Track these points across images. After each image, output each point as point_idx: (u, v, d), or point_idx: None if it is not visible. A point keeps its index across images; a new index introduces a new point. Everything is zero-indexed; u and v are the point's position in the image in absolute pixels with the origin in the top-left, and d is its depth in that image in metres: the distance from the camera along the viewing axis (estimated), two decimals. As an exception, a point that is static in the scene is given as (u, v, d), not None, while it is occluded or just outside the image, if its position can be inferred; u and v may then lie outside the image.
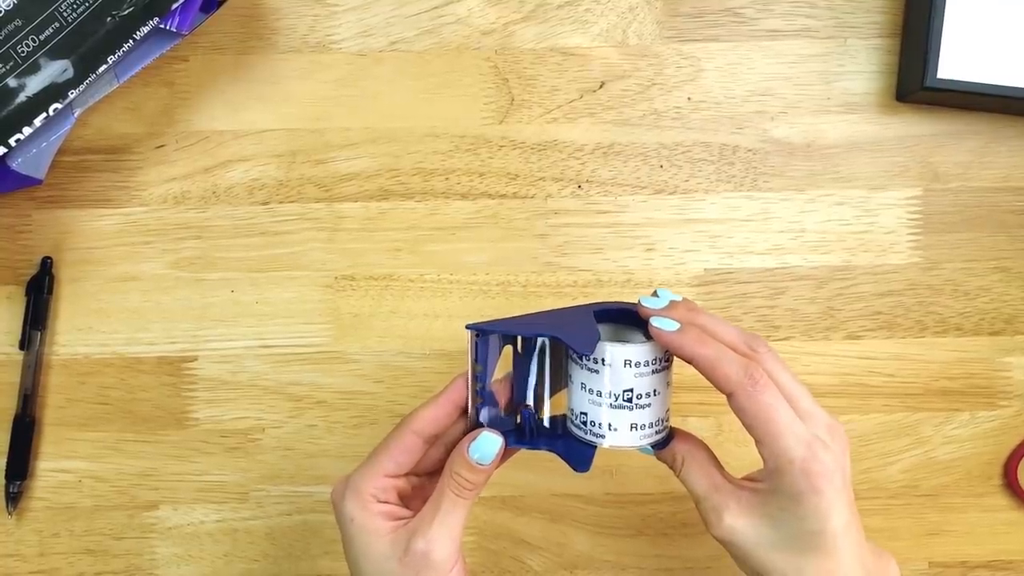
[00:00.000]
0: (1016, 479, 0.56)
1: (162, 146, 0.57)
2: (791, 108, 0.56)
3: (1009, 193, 0.56)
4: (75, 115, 0.53)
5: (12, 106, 0.51)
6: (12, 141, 0.51)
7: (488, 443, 0.45)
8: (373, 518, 0.46)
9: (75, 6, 0.51)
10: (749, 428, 0.43)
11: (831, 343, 0.57)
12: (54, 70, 0.51)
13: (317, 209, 0.57)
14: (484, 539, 0.58)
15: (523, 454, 0.48)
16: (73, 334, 0.57)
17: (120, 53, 0.51)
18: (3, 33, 0.51)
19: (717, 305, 0.57)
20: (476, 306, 0.57)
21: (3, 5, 0.51)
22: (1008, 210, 0.56)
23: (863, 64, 0.56)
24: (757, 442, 0.43)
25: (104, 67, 0.51)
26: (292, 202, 0.57)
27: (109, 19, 0.51)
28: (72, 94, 0.52)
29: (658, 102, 0.56)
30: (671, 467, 0.47)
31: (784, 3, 0.56)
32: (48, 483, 0.57)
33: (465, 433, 0.47)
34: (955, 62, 0.52)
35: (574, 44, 0.56)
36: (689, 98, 0.56)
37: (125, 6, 0.51)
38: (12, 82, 0.51)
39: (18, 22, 0.51)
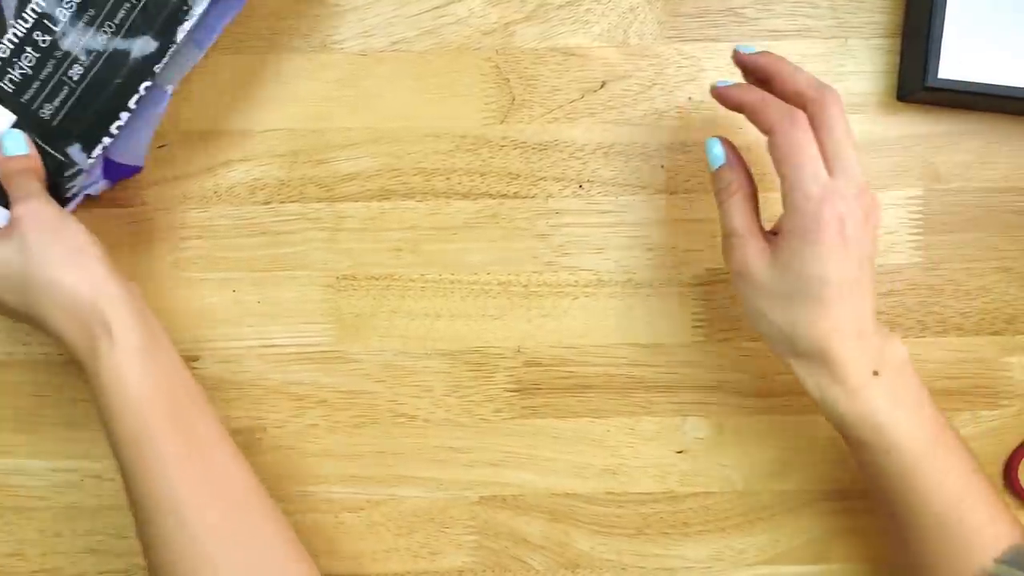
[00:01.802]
0: (1017, 479, 0.56)
1: (164, 145, 0.57)
2: (792, 108, 0.56)
3: (1010, 193, 0.56)
4: (169, 92, 0.53)
5: (106, 92, 0.51)
6: (114, 129, 0.52)
7: (10, 138, 0.51)
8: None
9: None
10: (778, 164, 0.45)
11: (832, 343, 0.57)
12: (136, 48, 0.51)
13: (318, 209, 0.57)
14: (485, 538, 0.58)
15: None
16: (75, 334, 0.57)
17: (195, 17, 0.51)
18: (79, 26, 0.51)
19: (717, 304, 0.57)
20: (477, 306, 0.57)
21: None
22: (1009, 210, 0.56)
23: (864, 64, 0.56)
24: (783, 180, 0.45)
25: (182, 35, 0.51)
26: (293, 202, 0.57)
27: None
28: (157, 68, 0.51)
29: (659, 102, 0.56)
30: (720, 189, 0.48)
31: (785, 3, 0.56)
32: (50, 482, 0.58)
33: None
34: (956, 62, 0.52)
35: (575, 44, 0.56)
36: (690, 98, 0.56)
37: None
38: (100, 70, 0.51)
39: (91, 12, 0.51)
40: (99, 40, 0.51)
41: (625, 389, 0.57)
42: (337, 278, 0.57)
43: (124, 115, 0.52)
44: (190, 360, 0.57)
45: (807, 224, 0.44)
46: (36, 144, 0.52)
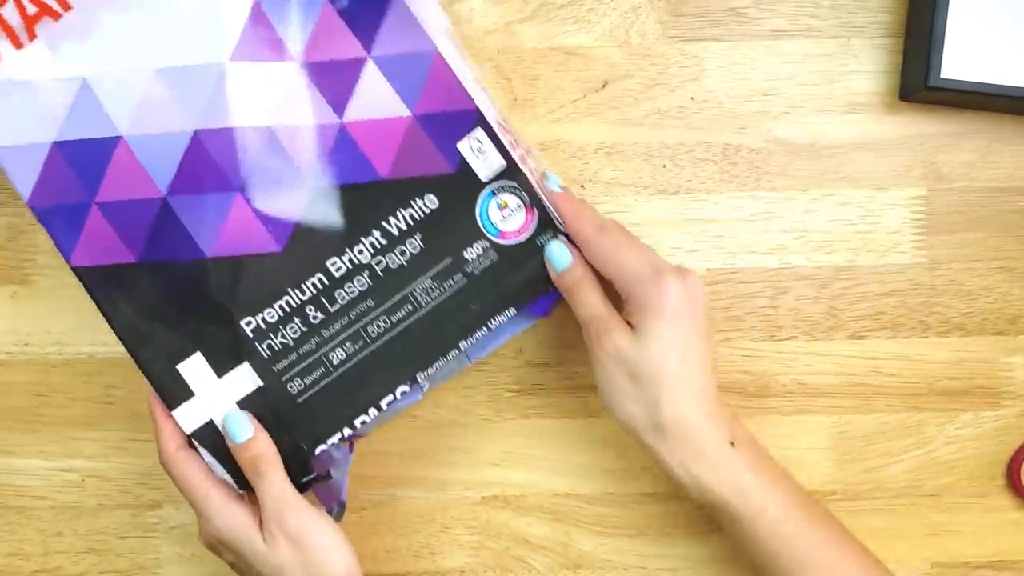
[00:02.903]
0: (1019, 479, 0.56)
1: (165, 146, 0.57)
2: (794, 108, 0.56)
3: (1013, 193, 0.56)
4: (424, 390, 0.53)
5: (362, 386, 0.51)
6: (359, 423, 0.51)
7: (233, 422, 0.50)
8: (246, 530, 0.49)
9: (430, 291, 0.50)
10: (603, 267, 0.49)
11: (834, 343, 0.57)
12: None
13: (320, 209, 0.57)
14: (486, 539, 0.58)
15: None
16: (78, 333, 0.57)
17: (472, 340, 0.51)
18: (354, 312, 0.50)
19: (720, 304, 0.57)
20: (479, 306, 0.57)
21: (357, 286, 0.50)
22: (1012, 210, 0.56)
23: (867, 64, 0.56)
24: (615, 280, 0.49)
25: (454, 352, 0.51)
26: (295, 202, 0.57)
27: (472, 307, 0.51)
28: (421, 377, 0.51)
29: (661, 102, 0.56)
30: (573, 283, 0.50)
31: (787, 3, 0.56)
32: (52, 482, 0.58)
33: None
34: (959, 61, 0.52)
35: (577, 44, 0.56)
36: (692, 98, 0.56)
37: (486, 297, 0.51)
38: (362, 362, 0.51)
39: (370, 302, 0.50)
40: (371, 331, 0.51)
41: (627, 389, 0.57)
42: (338, 278, 0.57)
43: (372, 412, 0.51)
44: (191, 360, 0.57)
45: (651, 303, 0.47)
46: (277, 420, 0.51)
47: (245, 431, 0.50)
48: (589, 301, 0.49)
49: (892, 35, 0.56)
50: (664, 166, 0.57)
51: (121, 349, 0.56)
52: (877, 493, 0.57)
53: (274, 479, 0.49)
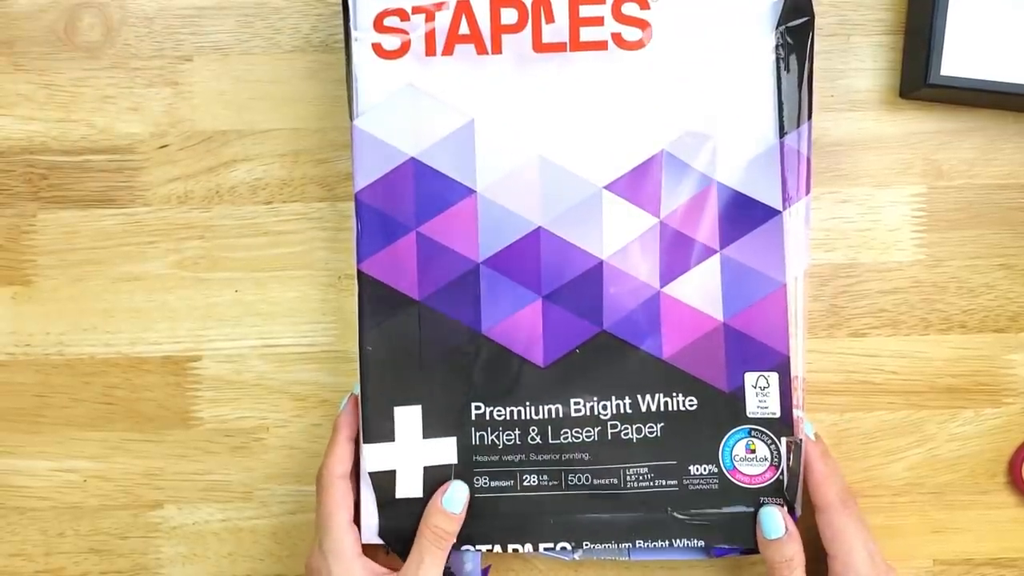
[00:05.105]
0: (1020, 476, 0.56)
1: (165, 146, 0.57)
2: (794, 105, 0.56)
3: (1014, 190, 0.56)
4: (575, 557, 0.52)
5: (534, 520, 0.51)
6: (511, 548, 0.51)
7: (458, 491, 0.50)
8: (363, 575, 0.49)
9: (640, 478, 0.51)
10: (829, 541, 0.50)
11: (835, 340, 0.57)
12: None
13: (320, 208, 0.57)
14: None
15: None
16: (78, 334, 0.57)
17: (647, 544, 0.51)
18: (567, 455, 0.51)
19: (721, 303, 0.57)
20: (479, 305, 0.57)
21: (584, 435, 0.51)
22: (1013, 207, 0.56)
23: (866, 61, 0.56)
24: (832, 557, 0.50)
25: (626, 545, 0.51)
26: (295, 201, 0.57)
27: (667, 515, 0.51)
28: (585, 546, 0.52)
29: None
30: (780, 562, 0.50)
31: (787, 0, 0.56)
32: (53, 483, 0.58)
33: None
34: (959, 59, 0.52)
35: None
36: (692, 96, 0.56)
37: (685, 515, 0.51)
38: (547, 502, 0.51)
39: (585, 455, 0.51)
40: (570, 480, 0.51)
41: (628, 388, 0.57)
42: (339, 278, 0.57)
43: (528, 547, 0.51)
44: (192, 360, 0.57)
45: None
46: None
47: (456, 504, 0.50)
48: None
49: (892, 32, 0.56)
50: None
51: (122, 350, 0.57)
52: (879, 491, 0.57)
53: (437, 559, 0.49)
